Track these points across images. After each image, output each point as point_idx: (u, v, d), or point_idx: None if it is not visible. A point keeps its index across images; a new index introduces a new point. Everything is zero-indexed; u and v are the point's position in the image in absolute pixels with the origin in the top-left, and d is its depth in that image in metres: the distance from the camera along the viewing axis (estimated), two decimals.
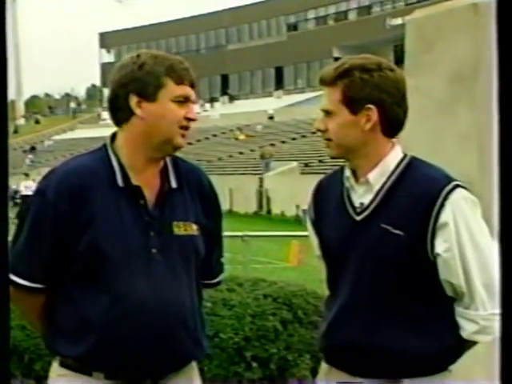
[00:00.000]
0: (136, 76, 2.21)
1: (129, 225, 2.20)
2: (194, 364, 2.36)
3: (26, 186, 29.04)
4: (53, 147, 54.67)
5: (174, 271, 2.24)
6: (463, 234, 2.18)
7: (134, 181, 2.23)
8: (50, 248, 2.21)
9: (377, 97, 2.22)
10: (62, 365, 2.26)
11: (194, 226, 2.28)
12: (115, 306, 2.18)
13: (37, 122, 69.09)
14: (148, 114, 2.20)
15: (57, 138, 60.26)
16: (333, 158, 2.33)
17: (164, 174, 2.28)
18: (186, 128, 2.24)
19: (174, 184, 2.28)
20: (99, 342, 2.19)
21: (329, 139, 2.28)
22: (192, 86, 2.24)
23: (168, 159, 2.30)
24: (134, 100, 2.20)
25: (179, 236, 2.25)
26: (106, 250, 2.17)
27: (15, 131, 61.24)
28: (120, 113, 2.25)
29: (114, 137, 2.29)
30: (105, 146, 2.29)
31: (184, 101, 2.22)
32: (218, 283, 2.53)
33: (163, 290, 2.21)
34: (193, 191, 2.32)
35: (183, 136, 2.23)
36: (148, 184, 2.25)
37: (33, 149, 53.88)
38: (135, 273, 2.20)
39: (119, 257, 2.18)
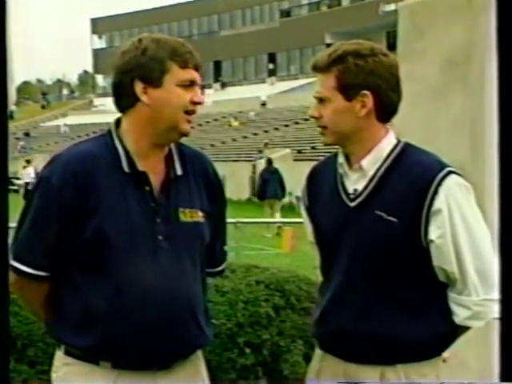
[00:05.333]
0: (139, 62, 2.17)
1: (135, 211, 2.17)
2: (199, 353, 2.34)
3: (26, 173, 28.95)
4: (47, 133, 54.50)
5: (180, 258, 2.21)
6: (457, 221, 2.18)
7: (140, 167, 2.20)
8: (55, 235, 2.17)
9: (372, 83, 2.21)
10: (68, 353, 2.23)
11: (200, 213, 2.25)
12: (121, 295, 2.15)
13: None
14: (154, 100, 2.17)
15: (49, 124, 60.07)
16: (327, 145, 2.32)
17: (169, 160, 2.25)
18: (192, 112, 2.20)
19: (179, 171, 2.25)
20: (106, 332, 2.16)
21: (323, 126, 2.27)
22: (197, 68, 2.20)
23: (173, 145, 2.27)
24: (139, 86, 2.17)
25: (185, 223, 2.22)
26: (112, 237, 2.14)
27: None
28: (125, 99, 2.21)
29: (118, 122, 2.26)
30: (109, 131, 2.25)
31: (190, 84, 2.18)
32: (222, 271, 2.50)
33: (169, 277, 2.18)
34: (198, 178, 2.29)
35: (188, 122, 2.20)
36: (153, 170, 2.22)
37: (26, 135, 53.73)
38: (141, 260, 2.17)
39: (125, 244, 2.15)
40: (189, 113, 2.19)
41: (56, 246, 2.19)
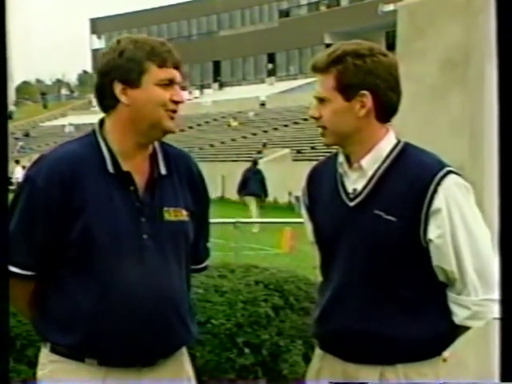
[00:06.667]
0: (117, 63, 2.19)
1: (120, 211, 2.20)
2: (184, 349, 2.37)
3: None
4: (46, 133, 54.46)
5: (165, 257, 2.24)
6: (456, 220, 2.18)
7: (124, 167, 2.22)
8: (42, 235, 2.20)
9: (371, 83, 2.21)
10: (53, 351, 2.25)
11: (184, 212, 2.28)
12: (107, 293, 2.18)
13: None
14: (133, 101, 2.19)
15: (49, 124, 60.06)
16: (328, 145, 2.32)
17: (153, 159, 2.28)
18: (174, 111, 2.22)
19: (163, 170, 2.27)
20: (91, 331, 2.19)
21: (323, 127, 2.28)
22: (176, 67, 2.22)
23: (157, 145, 2.29)
24: (118, 88, 2.19)
25: (170, 222, 2.24)
26: (98, 236, 2.17)
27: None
28: (106, 100, 2.24)
29: (102, 123, 2.28)
30: (94, 131, 2.27)
31: (169, 83, 2.20)
32: (205, 268, 2.54)
33: (154, 276, 2.21)
34: (182, 177, 2.32)
35: (172, 118, 2.21)
36: (138, 170, 2.24)
37: (26, 135, 53.69)
38: (126, 259, 2.19)
39: (111, 243, 2.18)
40: (171, 111, 2.21)
41: (42, 245, 2.21)
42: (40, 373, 2.31)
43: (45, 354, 2.29)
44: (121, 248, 2.19)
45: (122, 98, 2.20)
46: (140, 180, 2.24)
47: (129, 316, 2.19)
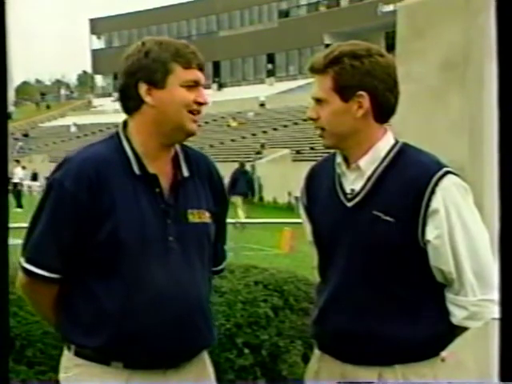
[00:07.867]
0: (143, 64, 2.20)
1: (146, 213, 2.19)
2: (205, 351, 2.37)
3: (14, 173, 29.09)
4: (46, 134, 54.44)
5: (190, 259, 2.24)
6: (454, 221, 2.18)
7: (150, 169, 2.22)
8: (69, 238, 2.19)
9: (368, 83, 2.21)
10: (78, 354, 2.24)
11: (207, 214, 2.28)
12: (133, 296, 2.17)
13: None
14: (158, 102, 2.20)
15: (48, 124, 60.05)
16: (327, 147, 2.32)
17: (176, 161, 2.28)
18: (197, 112, 2.23)
19: (185, 172, 2.28)
20: (118, 333, 2.17)
21: (322, 128, 2.28)
22: (200, 69, 2.23)
23: (178, 147, 2.30)
24: (143, 88, 2.20)
25: (194, 224, 2.25)
26: (126, 239, 2.16)
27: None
28: (131, 102, 2.24)
29: (125, 124, 2.28)
30: (117, 133, 2.27)
31: (194, 85, 2.21)
32: (222, 270, 2.54)
33: (180, 278, 2.21)
34: (203, 179, 2.32)
35: (194, 121, 2.22)
36: (162, 172, 2.24)
37: (25, 136, 53.70)
38: (153, 262, 2.19)
39: (138, 246, 2.17)
40: (193, 112, 2.22)
41: (70, 248, 2.20)
42: (64, 376, 2.29)
43: (68, 358, 2.28)
44: (147, 250, 2.19)
45: (147, 99, 2.20)
46: (164, 182, 2.24)
47: (155, 318, 2.18)
